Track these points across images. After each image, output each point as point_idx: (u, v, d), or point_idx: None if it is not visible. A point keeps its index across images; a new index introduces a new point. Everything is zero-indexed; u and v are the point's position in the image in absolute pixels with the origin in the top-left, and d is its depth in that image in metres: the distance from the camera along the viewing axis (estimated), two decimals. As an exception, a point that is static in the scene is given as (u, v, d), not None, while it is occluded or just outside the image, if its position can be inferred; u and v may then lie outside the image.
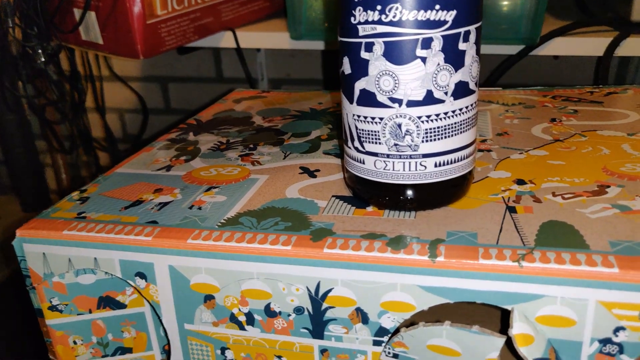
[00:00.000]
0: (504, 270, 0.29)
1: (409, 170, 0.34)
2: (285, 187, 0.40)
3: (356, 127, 0.34)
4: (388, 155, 0.34)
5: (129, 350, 0.43)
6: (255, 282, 0.34)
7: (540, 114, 0.52)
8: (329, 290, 0.33)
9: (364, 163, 0.35)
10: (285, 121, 0.56)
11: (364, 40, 0.33)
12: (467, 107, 0.34)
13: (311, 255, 0.32)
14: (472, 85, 0.34)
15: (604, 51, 0.70)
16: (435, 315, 0.33)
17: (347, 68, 0.35)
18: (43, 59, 0.80)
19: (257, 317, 0.35)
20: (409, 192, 0.35)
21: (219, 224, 0.36)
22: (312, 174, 0.43)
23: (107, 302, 0.40)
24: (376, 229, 0.33)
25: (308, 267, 0.32)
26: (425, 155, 0.34)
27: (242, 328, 0.35)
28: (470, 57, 0.33)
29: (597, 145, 0.43)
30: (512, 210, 0.34)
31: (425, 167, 0.34)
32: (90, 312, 0.41)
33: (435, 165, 0.34)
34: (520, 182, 0.38)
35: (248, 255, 0.33)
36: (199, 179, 0.43)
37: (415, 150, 0.33)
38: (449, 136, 0.34)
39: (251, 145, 0.50)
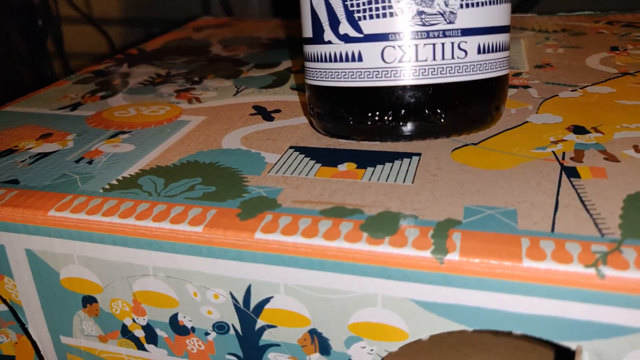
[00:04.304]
0: (570, 282, 0.16)
1: (442, 58, 0.21)
2: (225, 133, 0.27)
3: None
4: (408, 35, 0.20)
5: (10, 359, 0.30)
6: (152, 280, 0.21)
7: (595, 42, 0.38)
8: (266, 300, 0.20)
9: (360, 59, 0.21)
10: (251, 51, 0.43)
11: None
12: None
13: (236, 243, 0.19)
14: None
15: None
16: (435, 353, 0.21)
17: None
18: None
19: (160, 332, 0.22)
20: (436, 98, 0.21)
21: (106, 186, 0.23)
22: (268, 115, 0.29)
23: (-30, 294, 0.28)
24: (347, 200, 0.20)
25: (231, 261, 0.19)
26: (465, 32, 0.20)
27: (140, 347, 0.23)
28: None
29: (688, 79, 0.30)
30: (571, 173, 0.21)
31: (466, 52, 0.21)
32: (-54, 308, 0.28)
33: (479, 51, 0.21)
34: (580, 130, 0.25)
35: (138, 239, 0.20)
36: (107, 121, 0.30)
37: (451, 22, 0.20)
38: (494, 2, 0.21)
39: (196, 79, 0.36)
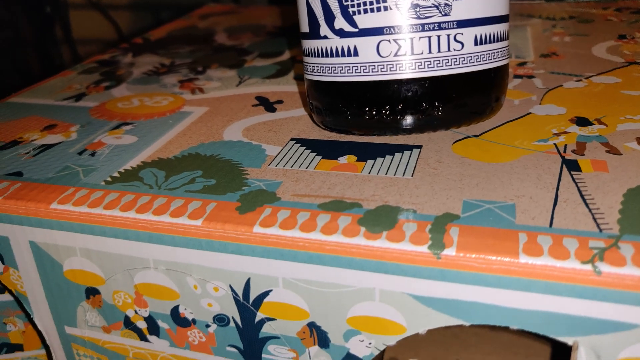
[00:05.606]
0: (566, 278, 0.16)
1: (438, 50, 0.20)
2: (227, 124, 0.27)
3: None
4: (402, 29, 0.20)
5: (18, 347, 0.31)
6: (153, 273, 0.21)
7: (603, 30, 0.37)
8: (266, 294, 0.20)
9: (356, 54, 0.21)
10: (256, 39, 0.43)
11: None
12: None
13: (235, 237, 0.19)
14: None
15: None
16: (438, 342, 0.21)
17: None
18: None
19: (162, 324, 0.22)
20: (433, 91, 0.21)
21: (108, 179, 0.23)
22: (270, 106, 0.29)
23: (-23, 284, 0.28)
24: (346, 194, 0.20)
25: (230, 255, 0.20)
26: (460, 24, 0.20)
27: (143, 338, 0.23)
28: None
29: (696, 69, 0.29)
30: (572, 166, 0.21)
31: (463, 44, 0.21)
32: (-46, 297, 0.29)
33: (476, 42, 0.21)
34: (583, 121, 0.25)
35: (138, 232, 0.20)
36: (111, 112, 0.30)
37: (446, 14, 0.20)
38: None
39: (200, 69, 0.36)
